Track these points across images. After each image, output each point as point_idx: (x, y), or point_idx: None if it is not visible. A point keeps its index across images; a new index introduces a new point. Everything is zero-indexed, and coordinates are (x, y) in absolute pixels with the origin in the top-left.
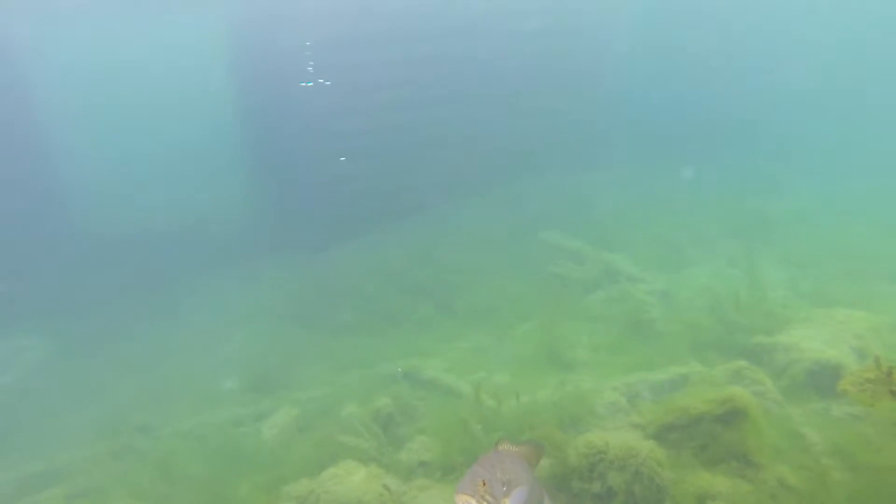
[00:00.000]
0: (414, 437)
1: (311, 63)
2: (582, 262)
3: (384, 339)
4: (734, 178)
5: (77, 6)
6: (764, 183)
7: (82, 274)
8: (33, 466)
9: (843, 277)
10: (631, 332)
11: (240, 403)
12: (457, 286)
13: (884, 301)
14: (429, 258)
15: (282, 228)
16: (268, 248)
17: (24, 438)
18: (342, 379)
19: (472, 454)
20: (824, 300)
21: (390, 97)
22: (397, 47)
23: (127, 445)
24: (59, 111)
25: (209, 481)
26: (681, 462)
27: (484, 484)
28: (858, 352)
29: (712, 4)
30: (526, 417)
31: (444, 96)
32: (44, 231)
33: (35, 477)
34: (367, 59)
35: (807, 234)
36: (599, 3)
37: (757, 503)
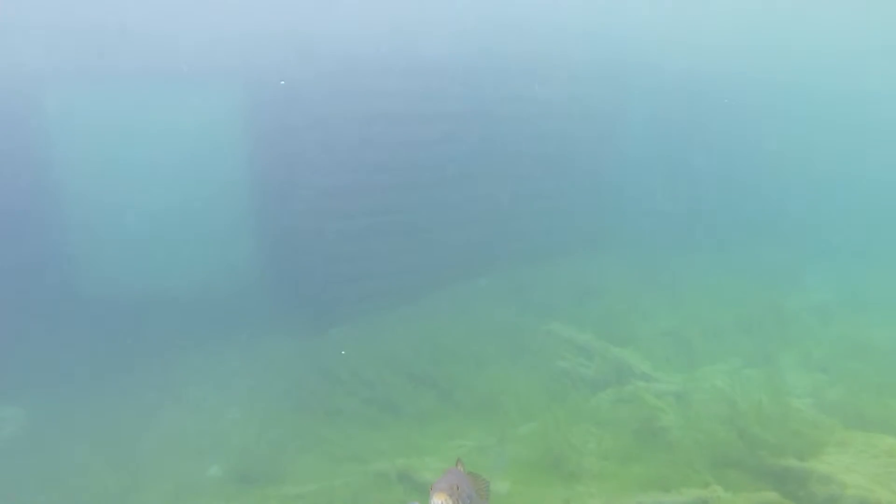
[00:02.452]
0: None
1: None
2: (589, 357)
3: (381, 430)
4: (746, 266)
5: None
6: (778, 273)
7: (73, 339)
8: None
9: (875, 390)
10: (643, 440)
11: (222, 496)
12: (459, 377)
13: None
14: (432, 345)
15: (283, 304)
16: (267, 324)
17: None
18: (334, 474)
19: None
20: (858, 418)
21: (396, 177)
22: (406, 128)
23: None
24: (69, 172)
25: None
26: None
27: (458, 488)
28: None
29: (727, 86)
30: None
31: (450, 177)
32: (38, 292)
33: None
34: (377, 139)
35: (828, 332)
36: (604, 84)
37: None
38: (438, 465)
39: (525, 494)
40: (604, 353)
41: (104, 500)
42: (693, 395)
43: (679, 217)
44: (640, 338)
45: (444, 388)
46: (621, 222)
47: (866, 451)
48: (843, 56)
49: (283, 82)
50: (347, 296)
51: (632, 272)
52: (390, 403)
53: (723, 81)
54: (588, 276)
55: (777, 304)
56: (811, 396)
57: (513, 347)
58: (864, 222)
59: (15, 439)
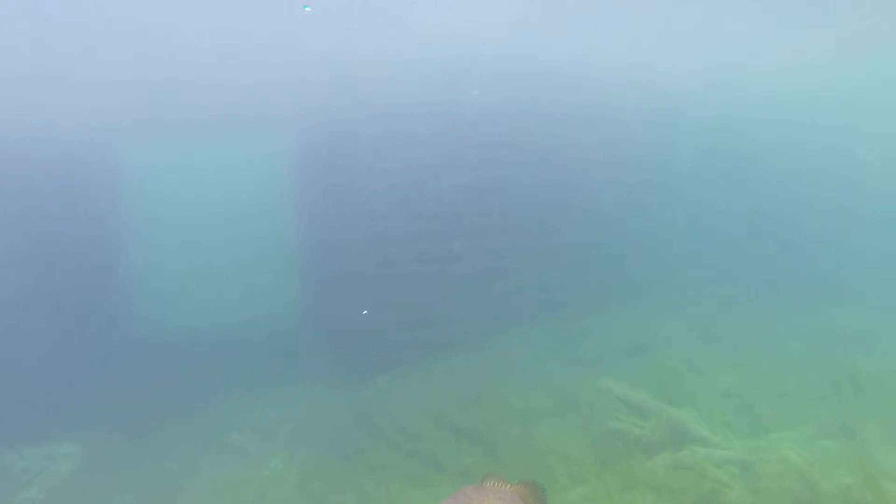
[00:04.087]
0: None
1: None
2: (643, 417)
3: (424, 487)
4: (814, 324)
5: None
6: (853, 333)
7: (128, 379)
8: None
9: None
10: None
11: None
12: (506, 433)
13: None
14: (477, 398)
15: (327, 352)
16: (312, 370)
17: None
18: None
19: None
20: None
21: (444, 225)
22: (453, 176)
23: None
24: (128, 217)
25: None
26: None
27: None
28: None
29: (790, 130)
30: None
31: (498, 226)
32: (91, 332)
33: None
34: (424, 186)
35: None
36: (657, 132)
37: None
38: None
39: None
40: (658, 413)
41: None
42: (760, 467)
43: (737, 269)
44: (698, 398)
45: (490, 445)
46: (675, 274)
47: None
48: None
49: (308, 7)
50: (392, 344)
51: (687, 327)
52: (434, 459)
53: (782, 128)
54: (640, 330)
55: (853, 367)
56: None
57: (561, 404)
58: None
59: (70, 478)
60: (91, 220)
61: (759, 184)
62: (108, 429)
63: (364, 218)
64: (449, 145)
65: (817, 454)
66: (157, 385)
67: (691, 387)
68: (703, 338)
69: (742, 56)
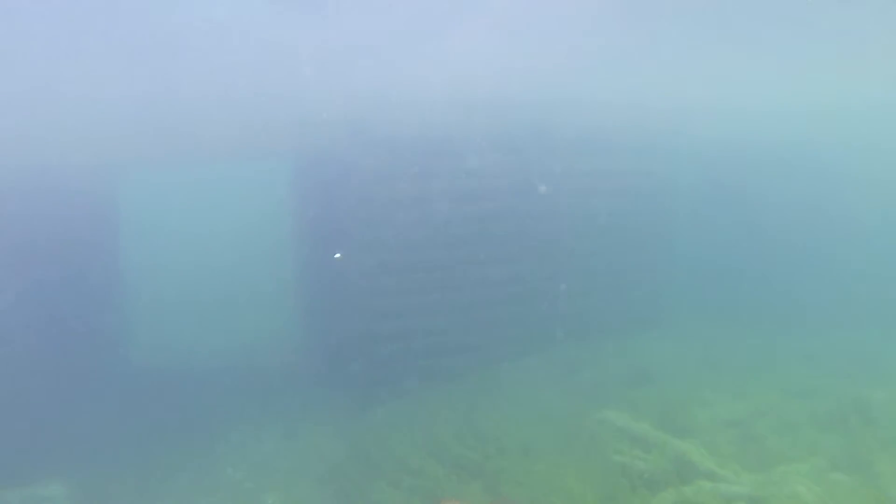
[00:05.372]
0: None
1: None
2: (646, 450)
3: None
4: (819, 351)
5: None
6: (860, 360)
7: (116, 414)
8: None
9: None
10: None
11: None
12: (507, 468)
13: None
14: (477, 431)
15: (325, 382)
16: (308, 402)
17: None
18: None
19: None
20: None
21: (442, 254)
22: (452, 205)
23: None
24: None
25: None
26: None
27: None
28: None
29: (791, 149)
30: None
31: (496, 254)
32: (79, 366)
33: None
34: (422, 217)
35: None
36: (657, 157)
37: None
38: None
39: None
40: (662, 445)
41: None
42: (771, 503)
43: (738, 294)
44: (702, 429)
45: (491, 482)
46: (676, 300)
47: None
48: None
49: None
50: (389, 375)
51: (688, 355)
52: (434, 495)
53: (783, 147)
54: (641, 358)
55: (861, 395)
56: None
57: (562, 436)
58: None
59: None
60: (80, 257)
61: (760, 206)
62: (97, 467)
63: (360, 248)
64: (448, 175)
65: (829, 489)
66: (148, 421)
67: (695, 417)
68: (705, 366)
69: (741, 75)
